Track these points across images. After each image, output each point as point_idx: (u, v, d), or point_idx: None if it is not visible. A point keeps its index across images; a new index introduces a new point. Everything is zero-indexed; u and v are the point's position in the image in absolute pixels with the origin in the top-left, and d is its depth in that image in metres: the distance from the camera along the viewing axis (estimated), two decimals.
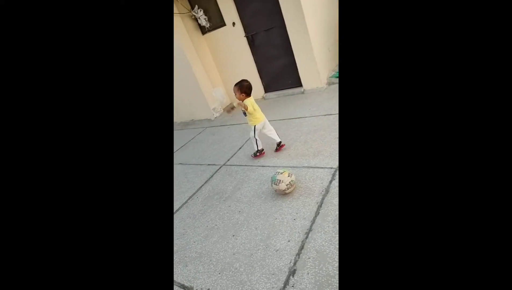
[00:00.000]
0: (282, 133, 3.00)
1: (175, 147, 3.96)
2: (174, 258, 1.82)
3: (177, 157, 3.55)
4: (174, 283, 1.63)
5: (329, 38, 3.99)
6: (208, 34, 4.50)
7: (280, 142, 2.63)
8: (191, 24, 4.37)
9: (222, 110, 4.68)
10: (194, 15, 4.27)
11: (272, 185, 1.96)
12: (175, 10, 4.07)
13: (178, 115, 5.12)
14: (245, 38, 4.21)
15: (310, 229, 1.61)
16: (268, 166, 2.47)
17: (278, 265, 1.48)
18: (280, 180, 1.90)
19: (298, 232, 1.62)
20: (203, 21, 4.25)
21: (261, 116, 2.52)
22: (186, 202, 2.42)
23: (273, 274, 1.44)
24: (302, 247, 1.52)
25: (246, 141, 3.12)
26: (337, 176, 1.95)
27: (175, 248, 1.90)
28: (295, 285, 1.33)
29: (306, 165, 2.26)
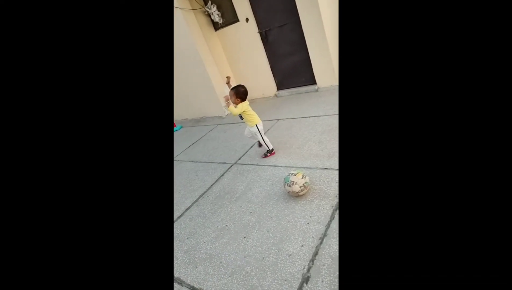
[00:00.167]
0: (295, 132, 2.93)
1: (187, 144, 3.95)
2: (184, 258, 1.79)
3: (188, 154, 3.53)
4: (184, 285, 1.60)
5: None
6: (220, 30, 4.46)
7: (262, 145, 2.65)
8: (204, 20, 4.33)
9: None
10: (207, 11, 4.23)
11: (285, 187, 1.90)
12: (188, 6, 4.03)
13: (190, 112, 5.12)
14: (258, 35, 4.14)
15: (324, 234, 1.54)
16: (281, 166, 2.41)
17: (291, 270, 1.42)
18: (293, 182, 1.83)
19: (312, 237, 1.56)
20: (216, 17, 4.21)
21: (257, 118, 2.55)
22: (196, 200, 2.39)
23: (285, 280, 1.38)
24: (316, 253, 1.45)
25: (257, 140, 3.07)
26: None
27: (185, 248, 1.87)
28: None
29: (320, 166, 2.18)
